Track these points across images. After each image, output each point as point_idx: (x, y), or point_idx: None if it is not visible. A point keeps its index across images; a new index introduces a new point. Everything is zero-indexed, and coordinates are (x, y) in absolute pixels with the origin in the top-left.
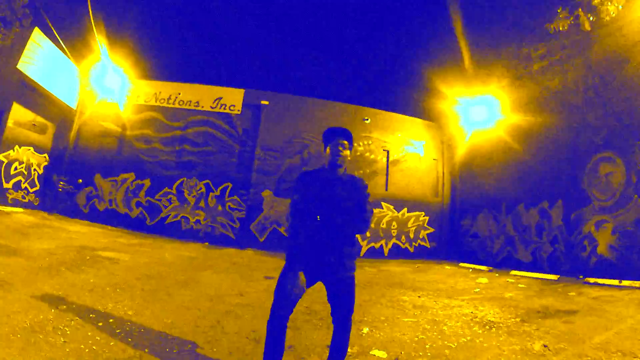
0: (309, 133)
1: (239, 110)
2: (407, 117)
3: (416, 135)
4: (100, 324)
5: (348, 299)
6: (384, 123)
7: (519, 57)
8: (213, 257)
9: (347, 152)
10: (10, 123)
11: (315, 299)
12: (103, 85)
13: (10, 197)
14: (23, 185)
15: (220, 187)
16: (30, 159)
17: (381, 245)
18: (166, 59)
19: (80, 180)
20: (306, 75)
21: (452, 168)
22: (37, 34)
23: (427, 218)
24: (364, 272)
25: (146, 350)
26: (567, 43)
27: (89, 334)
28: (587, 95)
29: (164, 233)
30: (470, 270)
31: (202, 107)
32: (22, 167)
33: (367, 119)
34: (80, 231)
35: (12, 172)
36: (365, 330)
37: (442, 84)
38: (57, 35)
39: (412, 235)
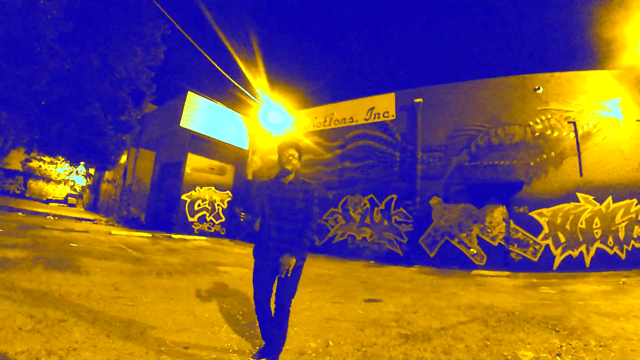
0: (474, 121)
1: (393, 116)
2: (588, 72)
3: (606, 92)
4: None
5: (292, 286)
6: (562, 87)
7: None
8: (346, 273)
9: (296, 161)
10: (188, 170)
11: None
12: (268, 123)
13: (196, 228)
14: (208, 218)
15: (385, 200)
16: (212, 196)
17: (581, 253)
18: (317, 85)
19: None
20: (457, 58)
21: None
22: (191, 96)
23: None
24: (532, 295)
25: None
26: None
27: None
28: None
29: (331, 252)
30: None
31: (357, 121)
32: (205, 204)
33: (539, 88)
34: (241, 252)
35: (196, 208)
36: None
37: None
38: (191, 91)
39: (621, 235)
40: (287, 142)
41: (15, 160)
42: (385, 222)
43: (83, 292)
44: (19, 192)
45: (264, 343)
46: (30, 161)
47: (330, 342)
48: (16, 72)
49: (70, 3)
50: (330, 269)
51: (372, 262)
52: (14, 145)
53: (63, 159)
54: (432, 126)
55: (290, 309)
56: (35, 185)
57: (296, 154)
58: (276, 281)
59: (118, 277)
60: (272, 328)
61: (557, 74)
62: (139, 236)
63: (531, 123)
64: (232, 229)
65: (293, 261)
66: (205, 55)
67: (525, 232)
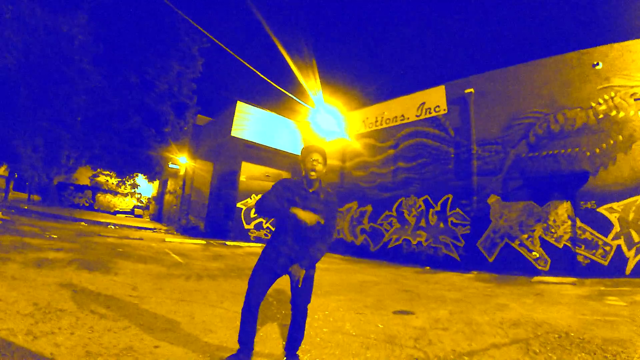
0: (531, 108)
1: (444, 110)
2: None
3: None
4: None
5: (308, 291)
6: (623, 60)
7: None
8: (393, 280)
9: (321, 167)
10: (242, 178)
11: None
12: (319, 128)
13: (252, 235)
14: (265, 225)
15: (440, 201)
16: None
17: None
18: (367, 85)
19: None
20: (504, 41)
21: None
22: (240, 105)
23: None
24: (596, 308)
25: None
26: None
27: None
28: None
29: (385, 258)
30: None
31: (408, 118)
32: None
33: (598, 64)
34: None
35: (252, 215)
36: None
37: None
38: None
39: None
40: (310, 147)
41: (83, 175)
42: (441, 225)
43: (99, 289)
44: (87, 205)
45: (238, 347)
46: (98, 176)
47: None
48: (54, 94)
49: (102, 25)
50: (377, 276)
51: (428, 267)
52: (77, 162)
53: (108, 172)
54: (486, 117)
55: (306, 317)
56: (103, 198)
57: (320, 159)
58: (273, 285)
59: (142, 279)
60: (291, 330)
61: (615, 45)
62: (192, 243)
63: (593, 104)
64: None
65: (302, 272)
66: (250, 66)
67: (593, 231)
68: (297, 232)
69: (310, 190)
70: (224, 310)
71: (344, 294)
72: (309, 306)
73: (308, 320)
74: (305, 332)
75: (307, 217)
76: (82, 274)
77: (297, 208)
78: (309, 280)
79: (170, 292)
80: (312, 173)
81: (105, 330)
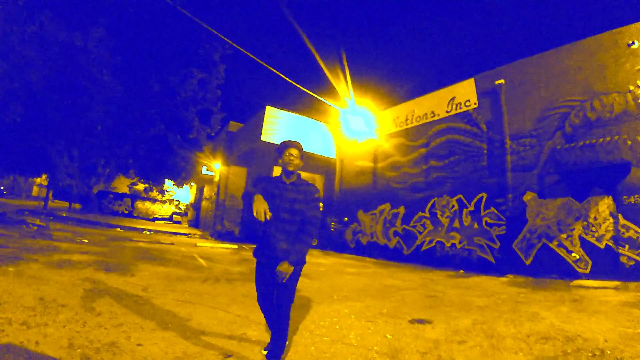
0: (565, 96)
1: (475, 104)
2: None
3: None
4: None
5: (291, 289)
6: None
7: None
8: (421, 285)
9: (297, 161)
10: None
11: None
12: (350, 130)
13: None
14: None
15: (474, 200)
16: None
17: None
18: (397, 82)
19: (346, 219)
20: (533, 28)
21: None
22: (269, 110)
23: None
24: None
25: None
26: None
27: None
28: None
29: (418, 261)
30: None
31: (438, 115)
32: None
33: (634, 43)
34: (324, 263)
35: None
36: None
37: None
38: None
39: None
40: (287, 142)
41: (122, 184)
42: (476, 225)
43: (110, 288)
44: (127, 212)
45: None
46: (137, 184)
47: None
48: (78, 106)
49: (122, 36)
50: (405, 281)
51: (462, 271)
52: (112, 171)
53: (137, 178)
54: (519, 109)
55: (311, 323)
56: (142, 205)
57: (296, 153)
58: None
59: (157, 281)
60: (273, 331)
61: None
62: (224, 248)
63: (631, 87)
64: (324, 239)
65: (291, 269)
66: (279, 73)
67: (637, 229)
68: (277, 222)
69: (288, 182)
70: (225, 313)
71: (362, 299)
72: (315, 311)
73: (311, 327)
74: (303, 340)
75: (259, 207)
76: (98, 274)
77: (257, 195)
78: (293, 276)
79: (180, 293)
80: (289, 167)
81: (97, 325)
